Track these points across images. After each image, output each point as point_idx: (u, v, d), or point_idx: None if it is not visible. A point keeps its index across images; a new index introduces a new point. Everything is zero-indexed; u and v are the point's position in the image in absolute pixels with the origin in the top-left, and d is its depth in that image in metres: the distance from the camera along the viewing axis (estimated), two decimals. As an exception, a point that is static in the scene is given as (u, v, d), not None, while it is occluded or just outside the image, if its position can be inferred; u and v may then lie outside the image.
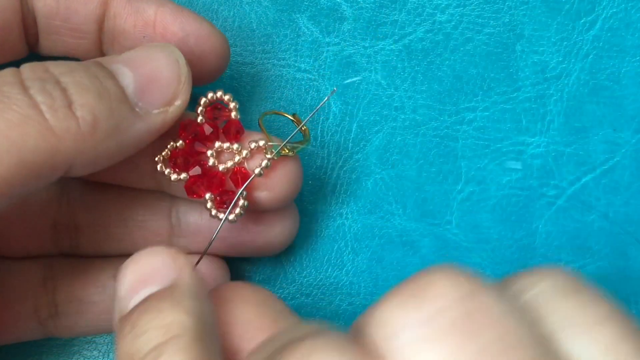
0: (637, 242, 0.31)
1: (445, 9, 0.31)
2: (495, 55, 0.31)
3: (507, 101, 0.31)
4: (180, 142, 0.26)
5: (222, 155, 0.26)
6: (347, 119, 0.31)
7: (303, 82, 0.31)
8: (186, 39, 0.26)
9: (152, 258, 0.21)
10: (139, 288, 0.20)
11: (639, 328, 0.16)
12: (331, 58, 0.31)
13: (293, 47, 0.31)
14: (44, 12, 0.26)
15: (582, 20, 0.31)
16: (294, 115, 0.27)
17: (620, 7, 0.31)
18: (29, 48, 0.27)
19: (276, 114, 0.28)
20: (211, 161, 0.26)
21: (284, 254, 0.30)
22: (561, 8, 0.31)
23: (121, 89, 0.23)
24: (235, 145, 0.26)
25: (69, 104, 0.21)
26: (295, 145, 0.26)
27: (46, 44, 0.27)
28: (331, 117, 0.31)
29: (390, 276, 0.30)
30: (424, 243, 0.30)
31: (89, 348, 0.30)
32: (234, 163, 0.26)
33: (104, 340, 0.30)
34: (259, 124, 0.26)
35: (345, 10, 0.31)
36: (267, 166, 0.25)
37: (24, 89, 0.21)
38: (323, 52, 0.31)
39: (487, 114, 0.31)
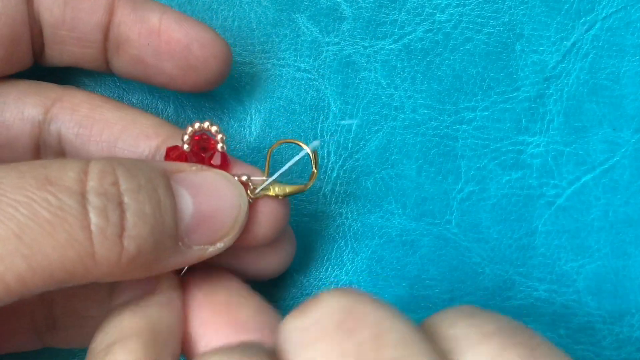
0: (637, 242, 0.31)
1: (444, 9, 0.31)
2: (494, 55, 0.31)
3: (506, 101, 0.31)
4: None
5: None
6: (347, 118, 0.31)
7: (303, 82, 0.31)
8: (190, 45, 0.26)
9: None
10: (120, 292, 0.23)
11: (531, 339, 0.18)
12: (331, 58, 0.31)
13: (293, 46, 0.31)
14: (51, 22, 0.26)
15: (582, 20, 0.31)
16: (314, 152, 0.25)
17: (619, 6, 0.31)
18: (34, 60, 0.27)
19: (291, 142, 0.26)
20: None
21: (284, 254, 0.30)
22: (561, 7, 0.31)
23: (175, 223, 0.22)
24: None
25: (121, 232, 0.20)
26: (289, 189, 0.25)
27: (51, 54, 0.27)
28: (331, 117, 0.31)
29: (390, 276, 0.30)
30: (423, 242, 0.30)
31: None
32: None
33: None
34: (267, 154, 0.25)
35: (344, 10, 0.31)
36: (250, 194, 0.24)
37: (83, 203, 0.20)
38: (323, 51, 0.31)
39: (486, 113, 0.31)
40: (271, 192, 0.25)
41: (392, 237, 0.30)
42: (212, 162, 0.25)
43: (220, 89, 0.31)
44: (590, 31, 0.31)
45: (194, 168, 0.23)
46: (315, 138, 0.31)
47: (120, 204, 0.20)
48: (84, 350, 0.30)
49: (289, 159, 0.24)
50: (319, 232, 0.30)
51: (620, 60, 0.31)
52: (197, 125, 0.25)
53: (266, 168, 0.25)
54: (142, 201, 0.21)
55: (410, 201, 0.31)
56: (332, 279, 0.30)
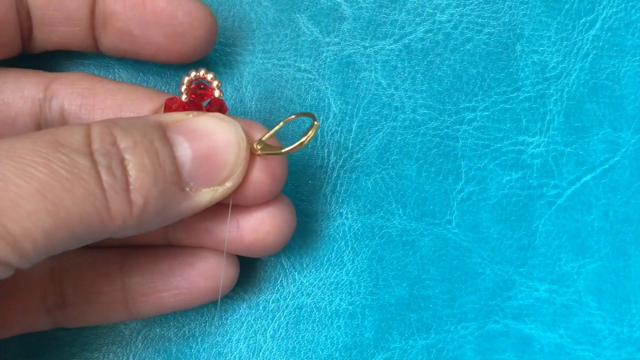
0: (637, 242, 0.31)
1: (445, 9, 0.31)
2: (495, 55, 0.31)
3: (507, 101, 0.31)
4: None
5: None
6: (347, 118, 0.31)
7: (303, 82, 0.31)
8: (175, 12, 0.27)
9: None
10: None
11: None
12: (331, 58, 0.31)
13: (293, 46, 0.31)
14: (38, 2, 0.26)
15: (582, 20, 0.31)
16: (313, 119, 0.26)
17: (620, 6, 0.31)
18: (22, 45, 0.28)
19: (288, 120, 0.26)
20: None
21: (284, 254, 0.30)
22: (561, 8, 0.31)
23: (177, 169, 0.23)
24: None
25: (127, 187, 0.22)
26: (291, 146, 0.25)
27: (40, 37, 0.27)
28: (331, 117, 0.31)
29: (391, 276, 0.30)
30: (424, 243, 0.30)
31: (90, 349, 0.30)
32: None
33: (105, 342, 0.30)
34: (281, 121, 0.26)
35: (345, 10, 0.31)
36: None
37: (94, 162, 0.21)
38: (323, 51, 0.31)
39: (487, 113, 0.31)
40: (268, 151, 0.25)
41: (393, 237, 0.30)
42: (211, 109, 0.26)
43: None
44: (591, 31, 0.31)
45: (190, 116, 0.24)
46: (315, 138, 0.31)
47: (122, 161, 0.22)
48: (85, 350, 0.30)
49: (298, 107, 0.26)
50: (319, 232, 0.30)
51: (621, 60, 0.31)
52: (193, 74, 0.26)
53: (275, 127, 0.25)
54: (140, 155, 0.22)
55: (411, 201, 0.30)
56: (332, 279, 0.30)
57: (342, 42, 0.31)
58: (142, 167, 0.22)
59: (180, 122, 0.24)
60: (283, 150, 0.25)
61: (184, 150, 0.23)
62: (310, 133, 0.25)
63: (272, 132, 0.25)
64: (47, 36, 0.27)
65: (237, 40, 0.31)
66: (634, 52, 0.31)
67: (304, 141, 0.25)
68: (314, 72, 0.31)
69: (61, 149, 0.21)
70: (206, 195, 0.24)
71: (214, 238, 0.27)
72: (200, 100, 0.26)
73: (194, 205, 0.24)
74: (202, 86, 0.26)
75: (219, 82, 0.26)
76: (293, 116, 0.27)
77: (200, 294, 0.28)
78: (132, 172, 0.22)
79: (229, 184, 0.24)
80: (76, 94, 0.27)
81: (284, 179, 0.26)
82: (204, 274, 0.28)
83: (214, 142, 0.24)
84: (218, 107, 0.26)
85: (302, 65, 0.31)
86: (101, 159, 0.22)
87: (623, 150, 0.31)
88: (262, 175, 0.25)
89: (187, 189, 0.23)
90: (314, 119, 0.25)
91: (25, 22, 0.27)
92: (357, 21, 0.31)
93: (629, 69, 0.31)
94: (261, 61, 0.31)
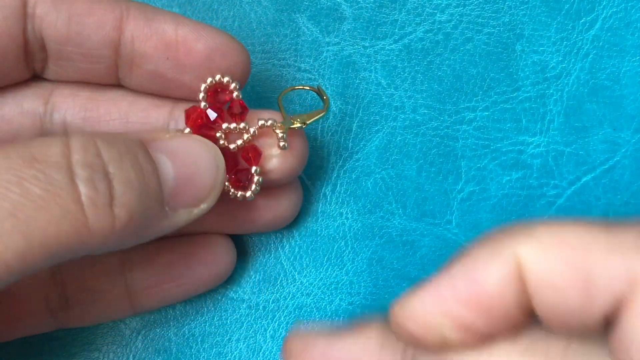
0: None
1: (445, 9, 0.31)
2: (495, 55, 0.31)
3: (507, 101, 0.31)
4: (188, 130, 0.25)
5: (231, 136, 0.26)
6: (347, 118, 0.31)
7: (303, 82, 0.31)
8: (212, 55, 0.25)
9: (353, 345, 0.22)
10: None
11: None
12: (331, 58, 0.31)
13: (293, 47, 0.31)
14: (55, 38, 0.25)
15: (582, 20, 0.31)
16: (318, 87, 0.28)
17: (620, 6, 0.31)
18: (34, 72, 0.26)
19: (296, 89, 0.28)
20: (221, 142, 0.26)
21: (284, 254, 0.30)
22: (561, 8, 0.31)
23: (160, 188, 0.22)
24: (242, 124, 0.26)
25: (111, 201, 0.21)
26: (310, 114, 0.26)
27: (55, 70, 0.26)
28: (331, 117, 0.31)
29: (391, 276, 0.30)
30: (424, 243, 0.30)
31: (90, 349, 0.30)
32: (244, 141, 0.26)
33: (105, 341, 0.30)
34: (278, 102, 0.27)
35: (345, 10, 0.31)
36: (284, 139, 0.26)
37: (71, 176, 0.20)
38: (323, 52, 0.31)
39: (487, 113, 0.31)
40: (296, 124, 0.26)
41: (393, 237, 0.30)
42: (233, 112, 0.26)
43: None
44: (591, 31, 0.31)
45: (167, 135, 0.24)
46: (315, 137, 0.31)
47: (106, 174, 0.21)
48: (84, 349, 0.30)
49: (298, 107, 0.27)
50: (319, 232, 0.30)
51: (621, 60, 0.31)
52: (209, 80, 0.25)
53: (281, 111, 0.26)
54: (126, 169, 0.21)
55: (411, 201, 0.30)
56: (332, 279, 0.30)
57: (342, 42, 0.31)
58: (128, 181, 0.21)
59: (161, 141, 0.23)
60: (306, 121, 0.26)
61: (167, 169, 0.23)
62: (325, 107, 0.27)
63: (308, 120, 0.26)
64: (64, 70, 0.26)
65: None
66: (634, 52, 0.31)
67: (322, 112, 0.27)
68: (314, 72, 0.31)
69: (36, 164, 0.20)
70: (182, 216, 0.23)
71: (217, 222, 0.27)
72: (221, 105, 0.26)
73: (171, 225, 0.23)
74: (219, 90, 0.25)
75: (236, 84, 0.26)
76: (284, 92, 0.28)
77: (203, 282, 0.28)
78: (118, 186, 0.21)
79: (204, 206, 0.24)
80: (78, 107, 0.26)
81: (306, 161, 0.27)
82: (206, 261, 0.28)
83: (195, 164, 0.24)
84: (240, 108, 0.26)
85: (302, 65, 0.31)
86: (81, 171, 0.21)
87: (623, 150, 0.31)
88: (294, 161, 0.26)
89: (167, 208, 0.23)
90: (324, 95, 0.27)
91: (39, 54, 0.25)
92: (357, 21, 0.31)
93: (629, 69, 0.31)
94: (261, 61, 0.31)
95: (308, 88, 0.28)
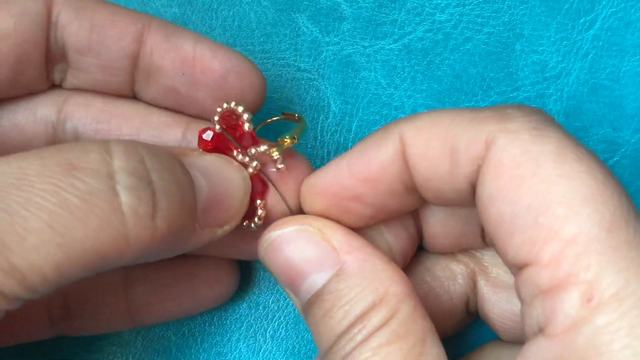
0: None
1: (444, 9, 0.31)
2: (494, 55, 0.31)
3: (506, 100, 0.31)
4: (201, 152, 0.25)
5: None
6: (347, 118, 0.31)
7: (303, 82, 0.31)
8: (227, 75, 0.25)
9: (310, 244, 0.23)
10: (308, 275, 0.23)
11: None
12: (331, 57, 0.31)
13: (293, 46, 0.31)
14: (76, 47, 0.25)
15: (582, 20, 0.31)
16: (283, 113, 0.27)
17: (619, 6, 0.31)
18: (52, 83, 0.26)
19: (267, 123, 0.27)
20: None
21: (284, 254, 0.30)
22: (561, 7, 0.31)
23: (195, 203, 0.22)
24: (247, 158, 0.25)
25: (153, 211, 0.20)
26: (295, 130, 0.26)
27: (71, 81, 0.26)
28: (331, 117, 0.31)
29: (391, 276, 0.30)
30: (423, 242, 0.30)
31: (90, 350, 0.30)
32: (253, 170, 0.25)
33: (105, 342, 0.30)
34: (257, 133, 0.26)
35: (344, 10, 0.31)
36: (281, 155, 0.25)
37: (112, 184, 0.19)
38: (323, 51, 0.31)
39: (486, 113, 0.31)
40: (288, 142, 0.26)
41: (392, 237, 0.30)
42: (242, 143, 0.25)
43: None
44: (590, 31, 0.31)
45: (195, 152, 0.24)
46: (315, 138, 0.31)
47: (150, 183, 0.20)
48: (85, 350, 0.30)
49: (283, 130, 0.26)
50: (319, 232, 0.30)
51: (620, 60, 0.31)
52: (225, 105, 0.25)
53: (266, 141, 0.26)
54: (168, 179, 0.21)
55: (410, 201, 0.30)
56: (332, 279, 0.30)
57: (342, 41, 0.31)
58: (170, 193, 0.20)
59: (192, 157, 0.23)
60: (295, 136, 0.26)
61: (202, 186, 0.22)
62: (301, 123, 0.27)
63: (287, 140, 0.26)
64: (81, 82, 0.26)
65: (237, 40, 0.31)
66: (634, 52, 0.31)
67: (303, 126, 0.27)
68: (314, 72, 0.31)
69: (74, 172, 0.19)
70: (206, 235, 0.23)
71: (219, 246, 0.27)
72: (234, 131, 0.25)
73: (198, 242, 0.23)
74: (234, 116, 0.25)
75: (249, 115, 0.25)
76: (283, 116, 0.27)
77: (204, 302, 0.28)
78: (161, 197, 0.20)
79: (227, 227, 0.24)
80: (90, 118, 0.26)
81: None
82: (207, 281, 0.28)
83: (226, 185, 0.23)
84: (250, 140, 0.25)
85: (302, 65, 0.31)
86: (125, 179, 0.20)
87: (623, 150, 0.31)
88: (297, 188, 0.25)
89: (197, 224, 0.22)
90: (299, 120, 0.27)
91: (60, 64, 0.25)
92: (356, 21, 0.31)
93: (629, 68, 0.31)
94: (261, 61, 0.31)
95: (277, 118, 0.27)
